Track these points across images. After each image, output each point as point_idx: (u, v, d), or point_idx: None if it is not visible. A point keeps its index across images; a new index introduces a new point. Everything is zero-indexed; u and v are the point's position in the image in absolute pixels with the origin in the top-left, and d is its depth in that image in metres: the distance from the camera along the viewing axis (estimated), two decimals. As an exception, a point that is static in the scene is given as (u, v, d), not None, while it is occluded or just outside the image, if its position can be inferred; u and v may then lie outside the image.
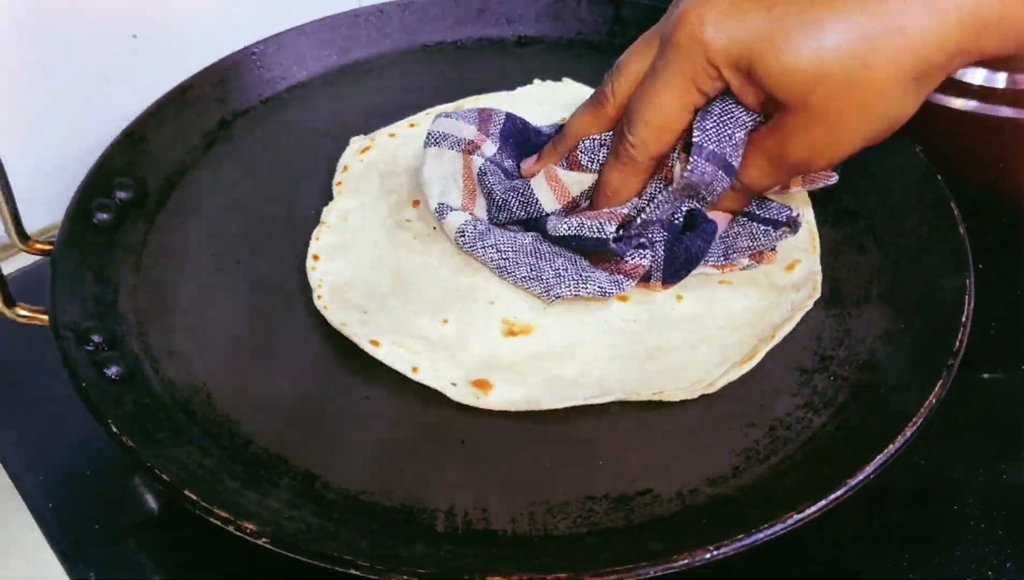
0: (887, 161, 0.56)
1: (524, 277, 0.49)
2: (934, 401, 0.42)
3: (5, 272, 0.48)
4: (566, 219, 0.49)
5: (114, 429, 0.42)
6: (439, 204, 0.51)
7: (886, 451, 0.41)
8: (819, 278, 0.51)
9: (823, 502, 0.39)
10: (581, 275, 0.48)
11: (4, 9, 0.54)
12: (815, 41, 0.41)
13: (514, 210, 0.50)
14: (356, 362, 0.47)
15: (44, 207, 0.57)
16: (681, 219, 0.49)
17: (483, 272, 0.51)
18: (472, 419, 0.45)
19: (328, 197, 0.57)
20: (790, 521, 0.38)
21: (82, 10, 0.58)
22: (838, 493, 0.39)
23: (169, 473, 0.40)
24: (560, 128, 0.52)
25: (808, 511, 0.39)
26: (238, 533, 0.38)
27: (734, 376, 0.46)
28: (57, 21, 0.57)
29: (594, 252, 0.49)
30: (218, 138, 0.61)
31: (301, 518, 0.41)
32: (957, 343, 0.45)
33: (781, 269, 0.51)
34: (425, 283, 0.50)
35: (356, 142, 0.60)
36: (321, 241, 0.53)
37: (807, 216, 0.54)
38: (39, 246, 0.51)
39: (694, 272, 0.49)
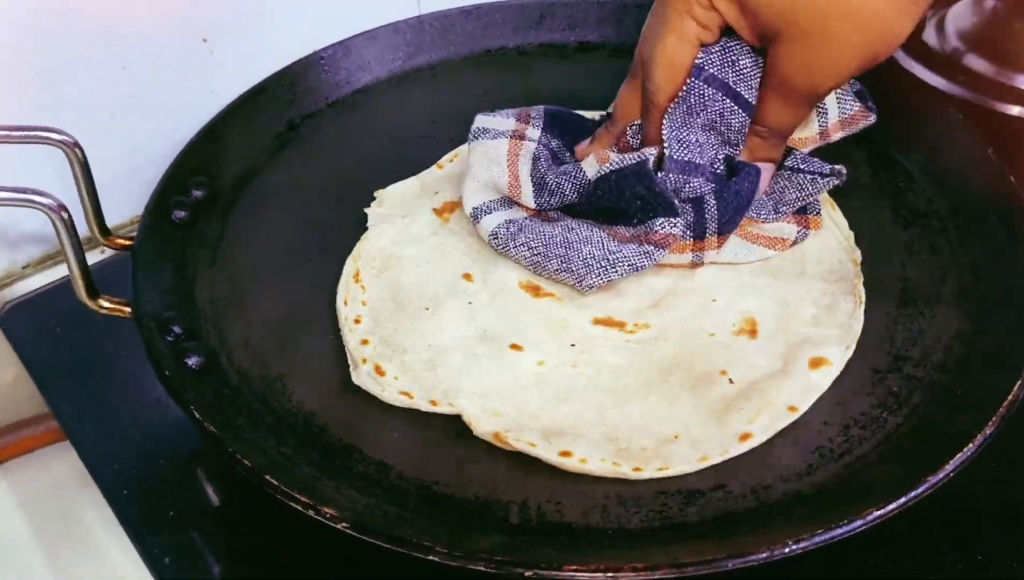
0: (960, 163, 0.55)
1: (556, 269, 0.49)
2: (1013, 400, 0.42)
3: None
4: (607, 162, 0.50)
5: (197, 416, 0.43)
6: (473, 208, 0.52)
7: (966, 449, 0.40)
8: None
9: (904, 499, 0.39)
10: (609, 259, 0.48)
11: (80, 9, 0.56)
12: None
13: (567, 194, 0.51)
14: (427, 356, 0.48)
15: (123, 202, 0.58)
16: (722, 168, 0.50)
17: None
18: (544, 413, 0.46)
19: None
20: (870, 517, 0.38)
21: (155, 13, 0.60)
22: (919, 490, 0.39)
23: (250, 459, 0.41)
24: (607, 115, 0.53)
25: (889, 507, 0.38)
26: (318, 518, 0.39)
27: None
28: (133, 23, 0.59)
29: (629, 212, 0.48)
30: (288, 140, 0.63)
31: (377, 506, 0.41)
32: (1036, 344, 0.44)
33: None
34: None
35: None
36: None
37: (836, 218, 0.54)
38: (120, 241, 0.53)
39: (747, 248, 0.50)
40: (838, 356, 0.46)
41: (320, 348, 0.49)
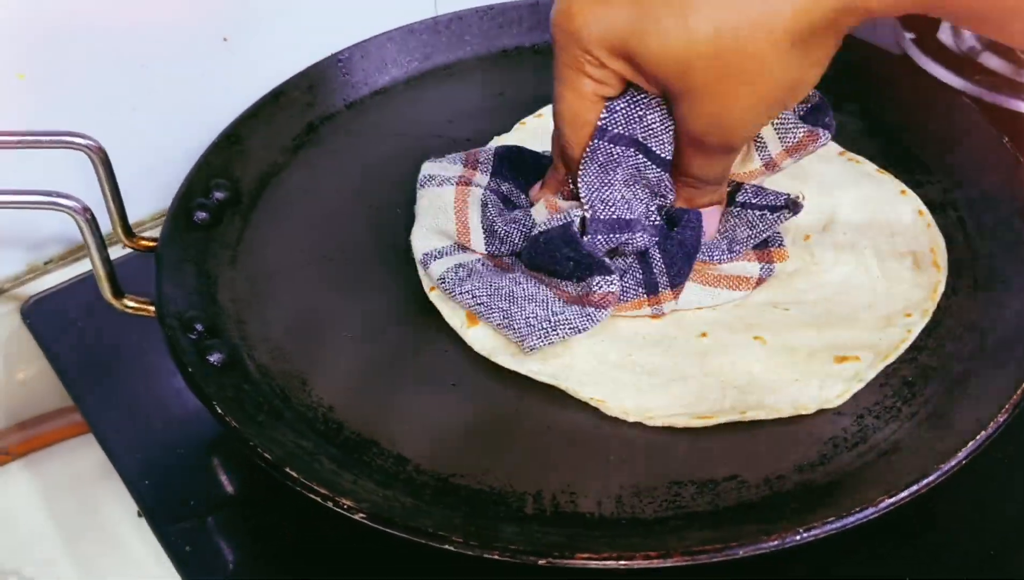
0: (975, 155, 0.55)
1: (498, 324, 0.48)
2: (1026, 390, 0.42)
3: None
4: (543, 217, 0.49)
5: (219, 410, 0.44)
6: (423, 254, 0.51)
7: (978, 437, 0.40)
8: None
9: (916, 487, 0.39)
10: (551, 321, 0.47)
11: (100, 7, 0.57)
12: (681, 21, 0.40)
13: (516, 241, 0.50)
14: (447, 348, 0.49)
15: (143, 199, 0.59)
16: (659, 219, 0.48)
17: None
18: (559, 406, 0.46)
19: (409, 195, 0.59)
20: (882, 505, 0.38)
21: (174, 12, 0.61)
22: (931, 478, 0.39)
23: (271, 452, 0.42)
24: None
25: (900, 495, 0.38)
26: (336, 509, 0.40)
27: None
28: (154, 21, 0.60)
29: (563, 273, 0.47)
30: (307, 141, 0.64)
31: (395, 498, 0.42)
32: (1052, 333, 0.44)
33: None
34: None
35: None
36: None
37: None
38: (143, 242, 0.54)
39: (710, 293, 0.49)
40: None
41: (339, 345, 0.50)
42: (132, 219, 0.55)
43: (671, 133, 0.46)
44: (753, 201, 0.50)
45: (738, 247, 0.50)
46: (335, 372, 0.49)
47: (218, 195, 0.57)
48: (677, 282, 0.48)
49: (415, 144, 0.63)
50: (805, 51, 0.40)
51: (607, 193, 0.47)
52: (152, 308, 0.49)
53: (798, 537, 0.37)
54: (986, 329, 0.47)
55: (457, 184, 0.52)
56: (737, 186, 0.50)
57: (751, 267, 0.50)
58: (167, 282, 0.50)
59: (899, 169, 0.57)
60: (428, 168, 0.54)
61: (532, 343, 0.47)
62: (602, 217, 0.47)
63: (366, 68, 0.67)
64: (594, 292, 0.46)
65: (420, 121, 0.65)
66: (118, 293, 0.49)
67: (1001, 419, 0.41)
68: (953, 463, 0.40)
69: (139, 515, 0.50)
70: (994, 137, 0.54)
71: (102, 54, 0.59)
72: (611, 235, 0.47)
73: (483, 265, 0.50)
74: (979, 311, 0.49)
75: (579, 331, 0.46)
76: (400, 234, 0.56)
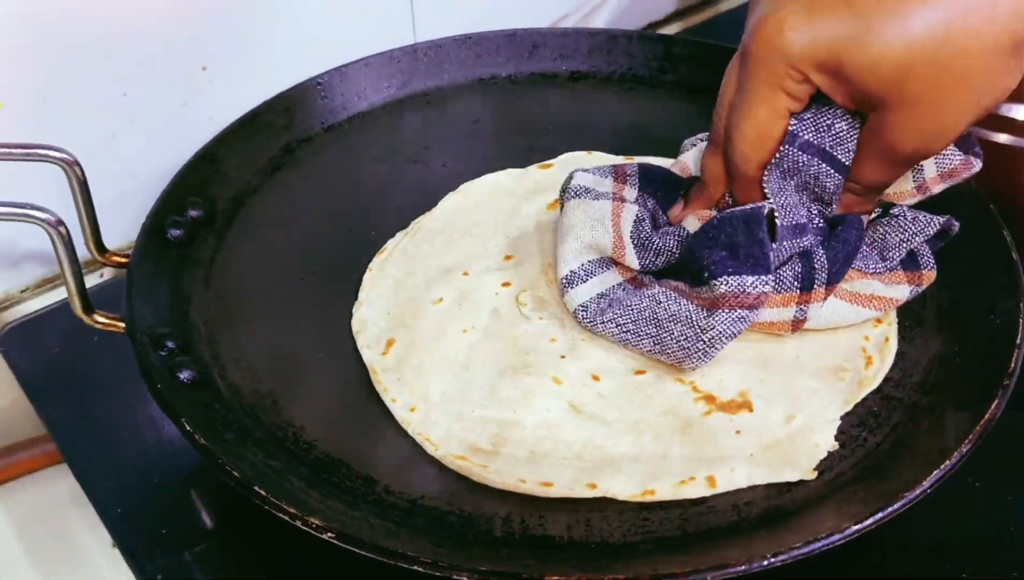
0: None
1: (649, 350, 0.47)
2: (990, 419, 0.43)
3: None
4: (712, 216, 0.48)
5: (188, 428, 0.43)
6: (570, 272, 0.50)
7: (943, 467, 0.41)
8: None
9: (880, 514, 0.39)
10: (704, 339, 0.45)
11: (82, 35, 0.57)
12: (901, 29, 0.40)
13: (673, 249, 0.49)
14: (416, 373, 0.49)
15: (121, 225, 0.59)
16: (822, 223, 0.48)
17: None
18: (529, 429, 0.46)
19: (384, 218, 0.59)
20: (848, 531, 0.39)
21: (156, 41, 0.61)
22: (895, 506, 0.40)
23: (239, 470, 0.42)
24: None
25: (866, 522, 0.39)
26: (305, 528, 0.39)
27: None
28: (134, 50, 0.60)
29: (708, 262, 0.46)
30: (283, 163, 0.64)
31: (364, 518, 0.42)
32: (1012, 364, 0.45)
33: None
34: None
35: None
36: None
37: None
38: (116, 259, 0.54)
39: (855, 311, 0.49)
40: None
41: (310, 367, 0.50)
42: (110, 245, 0.55)
43: (855, 142, 0.46)
44: (907, 213, 0.50)
45: (891, 254, 0.49)
46: (306, 393, 0.49)
47: (193, 213, 0.57)
48: (833, 280, 0.47)
49: (391, 169, 0.64)
50: (1020, 57, 0.41)
51: (784, 199, 0.47)
52: (122, 324, 0.48)
53: (765, 563, 0.38)
54: (951, 362, 0.48)
55: (613, 198, 0.51)
56: (889, 205, 0.51)
57: (901, 290, 0.49)
58: (138, 298, 0.50)
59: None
60: (582, 179, 0.52)
61: (693, 364, 0.46)
62: (785, 224, 0.47)
63: (345, 92, 0.68)
64: (747, 293, 0.45)
65: (397, 146, 0.66)
66: (88, 308, 0.49)
67: (965, 449, 0.42)
68: (918, 492, 0.40)
69: (113, 546, 0.49)
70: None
71: (83, 82, 0.59)
72: (793, 241, 0.47)
73: (623, 290, 0.49)
74: (944, 344, 0.49)
75: (733, 337, 0.45)
76: (371, 257, 0.57)
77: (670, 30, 0.87)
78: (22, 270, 0.63)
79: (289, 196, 0.62)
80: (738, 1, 0.92)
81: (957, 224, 0.50)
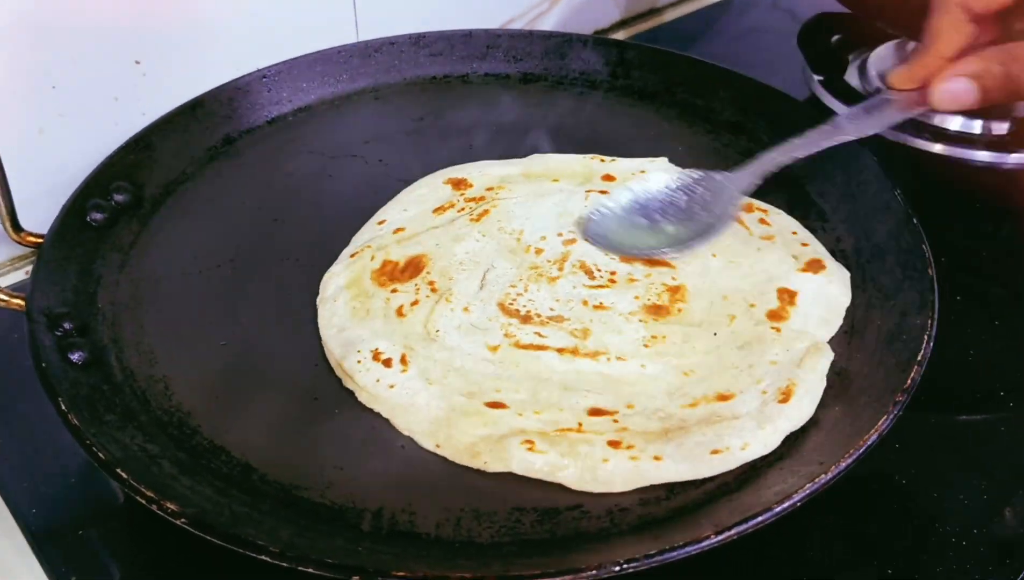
0: (868, 204, 0.55)
1: None
2: (875, 436, 0.41)
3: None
4: None
5: (62, 407, 0.43)
6: None
7: (819, 480, 0.40)
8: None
9: (744, 525, 0.38)
10: None
11: (7, 26, 0.57)
12: None
13: None
14: (316, 362, 0.49)
15: (47, 218, 0.58)
16: None
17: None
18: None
19: (311, 211, 0.59)
20: (705, 543, 0.38)
21: (86, 33, 0.61)
22: (761, 518, 0.38)
23: (106, 452, 0.41)
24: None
25: (724, 534, 0.38)
26: (160, 512, 0.39)
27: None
28: (64, 42, 0.60)
29: None
30: (221, 153, 0.64)
31: (228, 505, 0.41)
32: (909, 381, 0.44)
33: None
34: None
35: None
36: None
37: None
38: (30, 238, 0.54)
39: None
40: None
41: (210, 353, 0.50)
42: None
43: None
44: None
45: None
46: (200, 379, 0.48)
47: (118, 198, 0.57)
48: None
49: (328, 161, 0.64)
50: None
51: None
52: (21, 302, 0.49)
53: (617, 568, 0.37)
54: (860, 372, 0.47)
55: None
56: None
57: None
58: (43, 278, 0.50)
59: (799, 216, 0.57)
60: None
61: None
62: None
63: (292, 85, 0.68)
64: None
65: (338, 140, 0.65)
66: (-11, 286, 0.49)
67: (843, 464, 0.40)
68: (787, 504, 0.39)
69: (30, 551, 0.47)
70: (887, 188, 0.54)
71: (9, 72, 0.58)
72: None
73: None
74: (855, 356, 0.48)
75: None
76: (295, 247, 0.56)
77: (615, 37, 0.87)
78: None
79: (222, 185, 0.62)
80: (680, 12, 0.92)
81: None
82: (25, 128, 0.61)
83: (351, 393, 0.47)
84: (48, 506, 0.48)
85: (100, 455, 0.41)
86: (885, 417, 0.42)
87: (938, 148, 0.57)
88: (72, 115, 0.62)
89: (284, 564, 0.37)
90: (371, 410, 0.47)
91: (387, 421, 0.46)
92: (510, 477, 0.43)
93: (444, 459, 0.44)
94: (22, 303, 0.49)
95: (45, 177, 0.61)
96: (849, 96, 0.63)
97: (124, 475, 0.40)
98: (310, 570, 0.37)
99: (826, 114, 0.59)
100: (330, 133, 0.66)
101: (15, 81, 0.59)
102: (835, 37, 0.73)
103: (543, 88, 0.71)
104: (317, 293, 0.53)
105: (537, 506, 0.42)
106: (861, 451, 0.41)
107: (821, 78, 0.65)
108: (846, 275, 0.52)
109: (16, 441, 0.51)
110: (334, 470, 0.44)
